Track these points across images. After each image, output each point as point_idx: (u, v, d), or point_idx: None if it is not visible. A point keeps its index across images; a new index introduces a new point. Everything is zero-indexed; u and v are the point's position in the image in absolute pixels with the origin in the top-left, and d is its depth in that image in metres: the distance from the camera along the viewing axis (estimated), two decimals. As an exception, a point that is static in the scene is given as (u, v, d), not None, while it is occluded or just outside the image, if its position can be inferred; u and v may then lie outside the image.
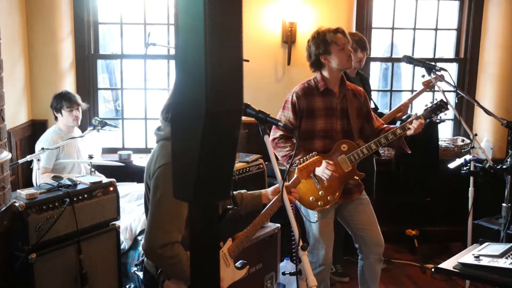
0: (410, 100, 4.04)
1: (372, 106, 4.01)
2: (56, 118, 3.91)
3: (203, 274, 1.49)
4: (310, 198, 2.99)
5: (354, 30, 4.57)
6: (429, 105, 3.05)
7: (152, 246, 1.99)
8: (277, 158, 3.34)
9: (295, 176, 2.42)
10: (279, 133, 3.00)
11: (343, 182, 3.00)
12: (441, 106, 3.02)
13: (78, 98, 3.96)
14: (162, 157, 2.05)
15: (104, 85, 4.83)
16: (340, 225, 3.29)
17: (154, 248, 1.99)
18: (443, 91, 3.47)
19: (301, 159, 2.49)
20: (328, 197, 2.98)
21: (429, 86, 3.81)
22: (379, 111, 4.16)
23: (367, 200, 3.15)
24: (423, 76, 3.59)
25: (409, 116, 3.83)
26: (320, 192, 2.97)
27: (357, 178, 3.05)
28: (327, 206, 3.01)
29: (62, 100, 3.86)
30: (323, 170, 2.87)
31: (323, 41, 2.94)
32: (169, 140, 2.06)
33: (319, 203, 2.98)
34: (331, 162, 2.90)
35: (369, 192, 4.03)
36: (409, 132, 2.94)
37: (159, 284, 2.10)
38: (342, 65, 2.97)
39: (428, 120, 3.01)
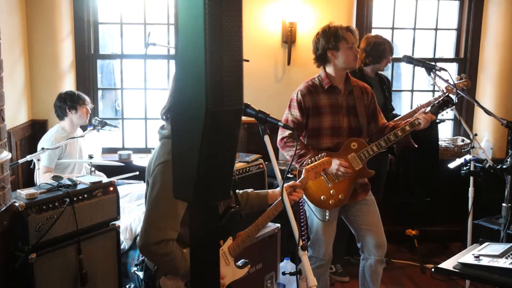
0: (426, 104, 4.01)
1: (388, 107, 4.02)
2: (63, 117, 3.87)
3: (203, 273, 1.49)
4: (322, 197, 2.97)
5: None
6: (436, 100, 3.05)
7: (146, 243, 2.00)
8: (277, 158, 3.35)
9: (302, 176, 2.42)
10: (287, 132, 2.99)
11: (354, 180, 3.00)
12: (448, 102, 3.03)
13: None
14: (162, 155, 2.05)
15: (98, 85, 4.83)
16: (344, 225, 3.29)
17: (148, 244, 1.99)
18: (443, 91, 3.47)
19: (310, 160, 2.49)
20: (340, 196, 2.97)
21: (451, 92, 3.78)
22: (394, 112, 4.16)
23: (372, 201, 3.14)
24: (447, 80, 3.53)
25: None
26: (331, 191, 2.97)
27: (369, 175, 3.04)
28: (339, 205, 3.00)
29: (78, 98, 3.87)
30: (337, 168, 2.87)
31: (334, 36, 2.93)
32: (170, 138, 2.07)
33: (330, 201, 2.97)
34: (343, 160, 2.91)
35: (377, 192, 4.04)
36: (418, 127, 2.94)
37: (156, 280, 2.11)
38: (348, 64, 2.97)
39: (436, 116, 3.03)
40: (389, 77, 4.99)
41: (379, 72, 4.04)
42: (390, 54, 3.93)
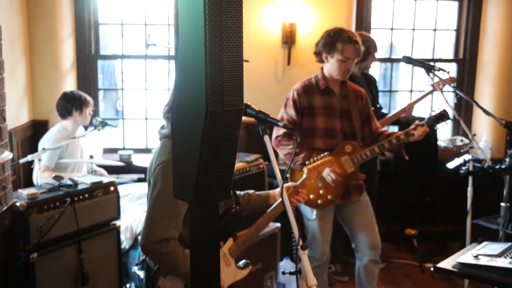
0: (416, 101, 4.05)
1: (376, 107, 4.05)
2: (67, 116, 3.87)
3: (203, 273, 1.50)
4: (311, 196, 3.00)
5: (354, 31, 4.57)
6: (433, 113, 3.09)
7: (148, 242, 2.01)
8: (277, 158, 3.37)
9: (304, 176, 2.42)
10: (282, 130, 3.01)
11: (345, 182, 3.01)
12: (444, 115, 3.07)
13: None
14: (162, 155, 2.06)
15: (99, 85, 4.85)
16: (341, 225, 3.30)
17: (150, 243, 2.00)
18: (442, 91, 3.49)
19: (311, 160, 2.49)
20: (329, 197, 2.99)
21: (437, 89, 3.80)
22: (382, 111, 4.18)
23: (366, 202, 3.16)
24: (432, 77, 3.55)
25: (413, 119, 3.84)
26: (321, 191, 2.99)
27: (359, 180, 3.06)
28: (327, 205, 3.02)
29: (85, 99, 3.90)
30: (328, 172, 2.87)
31: (330, 45, 2.95)
32: (170, 138, 2.08)
33: (319, 201, 3.00)
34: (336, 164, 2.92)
35: (370, 192, 4.06)
36: (411, 138, 2.97)
37: (155, 281, 2.12)
38: (335, 74, 3.00)
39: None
40: (388, 78, 5.02)
41: (365, 72, 4.06)
42: (375, 51, 3.95)
